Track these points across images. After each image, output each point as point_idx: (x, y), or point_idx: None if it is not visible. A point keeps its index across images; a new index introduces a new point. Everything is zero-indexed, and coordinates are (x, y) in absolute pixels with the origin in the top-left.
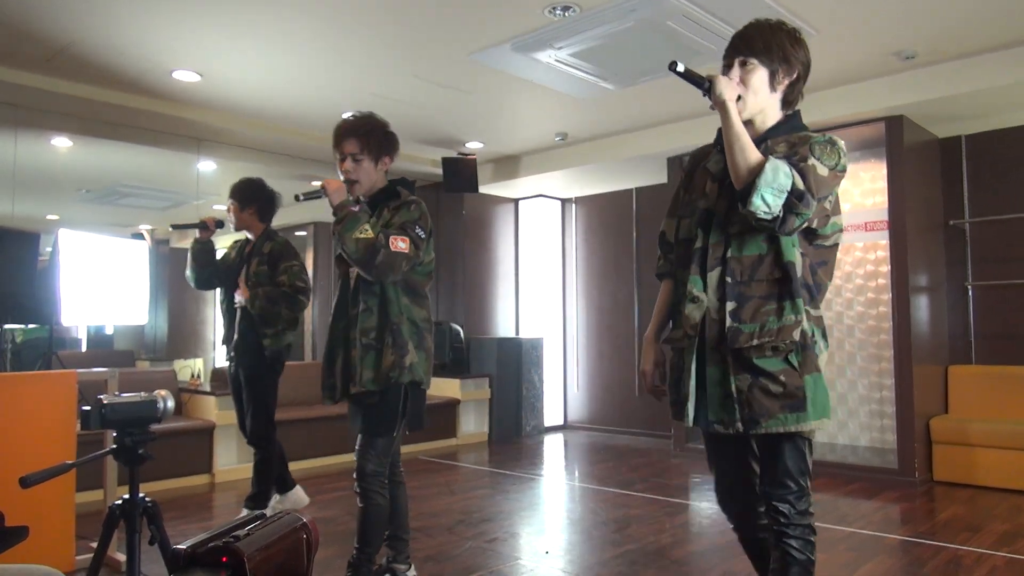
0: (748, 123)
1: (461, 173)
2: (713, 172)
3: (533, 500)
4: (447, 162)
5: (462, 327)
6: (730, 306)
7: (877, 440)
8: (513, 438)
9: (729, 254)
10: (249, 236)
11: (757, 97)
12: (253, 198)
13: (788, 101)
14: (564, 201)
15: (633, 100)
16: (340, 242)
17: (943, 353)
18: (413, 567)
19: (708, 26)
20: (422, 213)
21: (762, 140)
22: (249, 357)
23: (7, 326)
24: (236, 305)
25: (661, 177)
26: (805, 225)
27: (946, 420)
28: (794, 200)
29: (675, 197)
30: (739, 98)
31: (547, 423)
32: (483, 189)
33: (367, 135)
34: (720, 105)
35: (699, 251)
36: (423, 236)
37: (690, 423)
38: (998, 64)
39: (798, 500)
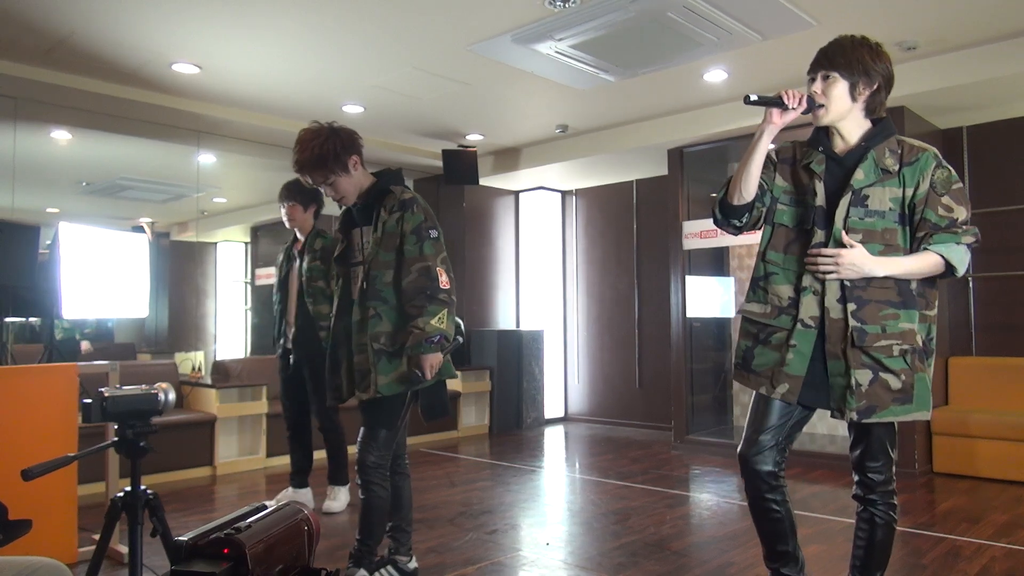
0: (834, 131)
1: (461, 165)
2: (818, 173)
3: (534, 492)
4: (447, 154)
5: (462, 319)
6: (851, 307)
7: None
8: (513, 430)
9: None
10: (298, 235)
11: (838, 106)
12: (314, 199)
13: (871, 109)
14: (564, 193)
15: (634, 92)
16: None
17: (943, 344)
18: (414, 558)
19: (708, 17)
20: (425, 210)
21: (864, 151)
22: (308, 349)
23: (9, 319)
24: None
25: (662, 169)
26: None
27: (946, 411)
28: (974, 246)
29: (769, 170)
30: (821, 106)
31: (547, 415)
32: (483, 181)
33: (320, 158)
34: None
35: (818, 247)
36: (437, 235)
37: (794, 402)
38: (1000, 55)
39: (887, 470)
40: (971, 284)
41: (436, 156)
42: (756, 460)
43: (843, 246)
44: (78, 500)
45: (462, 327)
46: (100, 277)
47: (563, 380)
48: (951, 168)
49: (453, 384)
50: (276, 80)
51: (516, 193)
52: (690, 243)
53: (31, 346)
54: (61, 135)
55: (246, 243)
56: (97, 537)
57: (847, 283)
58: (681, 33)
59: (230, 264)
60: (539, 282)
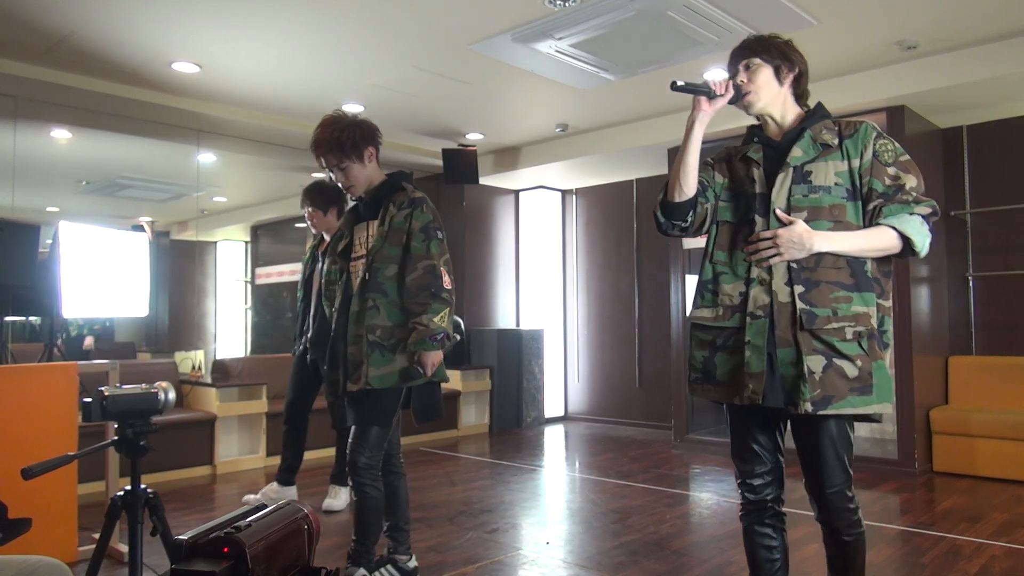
0: (768, 120)
1: (461, 164)
2: (755, 159)
3: (534, 491)
4: (447, 153)
5: (462, 318)
6: (798, 290)
7: (877, 430)
8: (514, 429)
9: None
10: (324, 236)
11: (767, 91)
12: (333, 200)
13: (798, 95)
14: (564, 192)
15: (634, 91)
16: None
17: (943, 343)
18: (414, 557)
19: (708, 16)
20: (433, 211)
21: (801, 129)
22: (323, 350)
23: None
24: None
25: (662, 168)
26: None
27: (946, 410)
28: (933, 219)
29: (707, 170)
30: (751, 92)
31: (547, 414)
32: (483, 180)
33: (338, 141)
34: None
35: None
36: (442, 236)
37: (759, 401)
38: (1000, 54)
39: (846, 487)
40: (971, 283)
41: (436, 155)
42: (762, 489)
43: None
44: (78, 499)
45: (461, 325)
46: (100, 276)
47: (563, 379)
48: (894, 140)
49: (453, 383)
50: (276, 79)
51: (516, 192)
52: (690, 242)
53: (31, 345)
54: (61, 134)
55: (246, 242)
56: (97, 536)
57: (794, 265)
58: (681, 32)
59: (230, 263)
60: (539, 281)
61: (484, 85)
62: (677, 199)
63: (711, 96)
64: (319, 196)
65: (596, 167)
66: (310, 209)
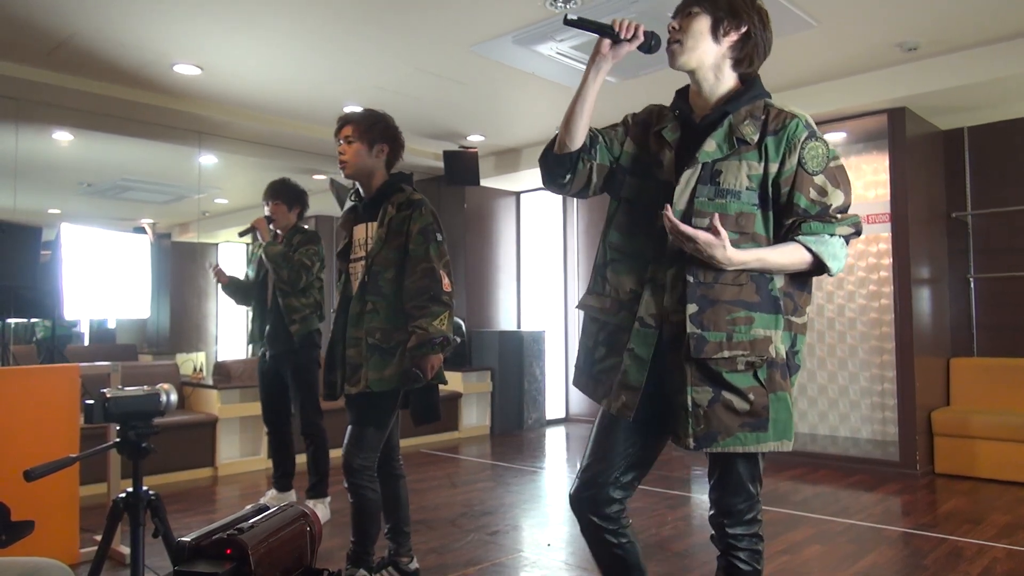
0: (696, 90)
1: (462, 166)
2: (670, 141)
3: (535, 493)
4: (448, 155)
5: (464, 320)
6: (691, 309)
7: (879, 432)
8: (515, 431)
9: None
10: (278, 231)
11: (696, 43)
12: (298, 199)
13: (739, 61)
14: None
15: (634, 93)
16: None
17: (945, 345)
18: (415, 559)
19: None
20: (433, 213)
21: (722, 113)
22: (282, 344)
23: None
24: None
25: None
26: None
27: (948, 412)
28: (854, 238)
29: (617, 128)
30: (678, 42)
31: (549, 416)
32: (484, 182)
33: (361, 121)
34: (672, 57)
35: (662, 231)
36: (442, 239)
37: (630, 417)
38: (1001, 55)
39: (748, 509)
40: (972, 285)
41: (437, 157)
42: (588, 501)
43: (688, 220)
44: (80, 501)
45: (462, 327)
46: (102, 278)
47: (564, 381)
48: (827, 141)
49: (455, 384)
50: (277, 81)
51: (517, 194)
52: None
53: (30, 347)
54: (63, 136)
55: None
56: (99, 538)
57: (691, 279)
58: None
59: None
60: (540, 283)
61: (485, 87)
62: (557, 151)
63: (614, 39)
64: (284, 193)
65: None
66: (273, 203)
